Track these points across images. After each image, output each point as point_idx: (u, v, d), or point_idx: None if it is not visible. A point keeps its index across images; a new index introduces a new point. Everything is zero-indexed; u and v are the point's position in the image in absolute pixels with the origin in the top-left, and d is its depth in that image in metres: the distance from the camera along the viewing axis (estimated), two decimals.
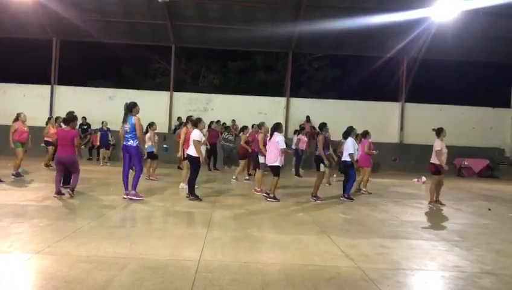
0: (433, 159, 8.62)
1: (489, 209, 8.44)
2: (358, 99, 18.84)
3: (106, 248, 4.50)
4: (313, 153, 10.48)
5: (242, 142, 11.27)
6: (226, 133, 14.36)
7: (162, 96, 18.09)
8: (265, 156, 8.71)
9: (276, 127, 8.42)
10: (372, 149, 10.20)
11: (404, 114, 18.42)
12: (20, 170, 9.77)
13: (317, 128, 9.32)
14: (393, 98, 18.82)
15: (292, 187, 10.47)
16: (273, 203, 7.92)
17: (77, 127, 9.16)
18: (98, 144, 14.83)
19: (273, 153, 8.21)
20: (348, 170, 8.81)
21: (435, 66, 19.77)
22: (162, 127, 16.60)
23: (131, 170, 7.68)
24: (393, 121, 18.46)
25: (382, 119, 17.91)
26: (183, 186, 8.93)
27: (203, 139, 7.98)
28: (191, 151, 7.89)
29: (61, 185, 7.58)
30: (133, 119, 7.36)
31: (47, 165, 11.75)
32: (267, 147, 8.59)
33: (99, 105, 17.29)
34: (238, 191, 9.51)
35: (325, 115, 14.95)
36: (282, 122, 14.95)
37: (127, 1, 15.50)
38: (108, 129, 14.77)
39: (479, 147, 17.54)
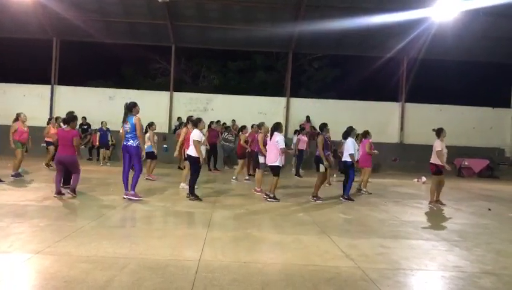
0: (434, 160, 8.63)
1: (490, 210, 8.44)
2: (358, 99, 18.84)
3: (106, 248, 4.50)
4: (313, 154, 10.49)
5: (242, 142, 11.30)
6: (226, 133, 14.37)
7: (162, 96, 18.09)
8: (265, 156, 8.72)
9: (276, 127, 8.42)
10: (373, 149, 10.20)
11: (404, 114, 18.42)
12: (20, 170, 9.76)
13: (318, 129, 9.32)
14: (394, 98, 18.82)
15: (292, 187, 10.47)
16: (273, 203, 7.92)
17: (77, 127, 9.15)
18: (97, 144, 14.84)
19: (273, 153, 8.22)
20: (347, 170, 8.82)
21: (435, 66, 19.78)
22: (162, 127, 16.62)
23: (131, 170, 7.68)
24: (394, 121, 18.46)
25: (382, 119, 17.91)
26: (184, 186, 8.94)
27: (203, 139, 7.97)
28: (191, 151, 7.89)
29: (61, 185, 7.58)
30: (134, 119, 7.36)
31: (48, 165, 11.75)
32: (267, 147, 8.59)
33: (99, 105, 17.29)
34: (238, 191, 9.51)
35: (325, 115, 14.95)
36: (282, 122, 14.91)
37: (127, 1, 15.50)
38: (107, 129, 14.77)
39: (479, 147, 17.55)
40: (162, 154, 13.95)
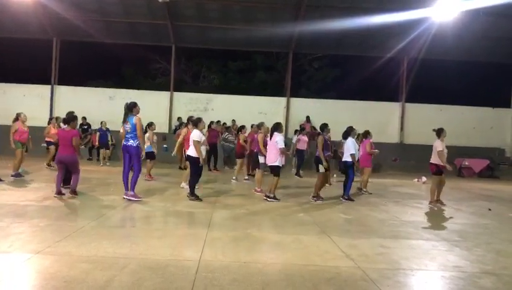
0: (434, 160, 8.62)
1: (490, 210, 8.44)
2: (358, 99, 18.83)
3: (106, 248, 4.50)
4: (313, 154, 10.49)
5: (241, 141, 11.33)
6: (227, 134, 14.38)
7: (162, 96, 18.09)
8: (265, 156, 8.72)
9: (276, 127, 8.42)
10: (374, 149, 10.19)
11: (405, 114, 18.42)
12: (20, 170, 9.76)
13: (319, 129, 9.32)
14: (394, 98, 18.82)
15: (292, 187, 10.47)
16: (274, 204, 7.92)
17: (77, 127, 9.14)
18: (97, 144, 14.83)
19: (273, 153, 8.21)
20: (347, 170, 8.81)
21: (435, 66, 19.77)
22: (162, 127, 16.62)
23: (131, 170, 7.67)
24: (394, 121, 18.46)
25: (382, 119, 17.90)
26: (184, 186, 8.93)
27: (203, 139, 7.95)
28: (191, 151, 7.88)
29: (62, 185, 7.58)
30: (134, 119, 7.36)
31: (49, 165, 11.76)
32: (267, 147, 8.59)
33: (99, 105, 17.28)
34: (238, 191, 9.51)
35: (325, 115, 14.94)
36: (282, 122, 14.91)
37: (127, 1, 15.50)
38: (107, 129, 14.76)
39: (479, 147, 17.54)
40: (162, 154, 13.95)
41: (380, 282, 3.86)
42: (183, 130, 9.77)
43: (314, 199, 8.39)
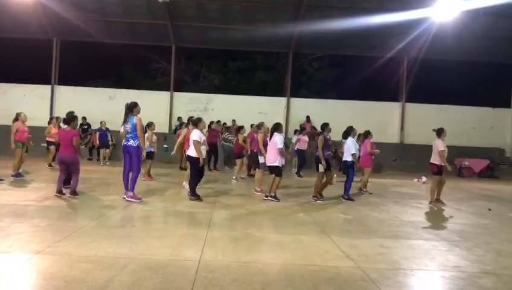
0: (434, 159, 8.63)
1: (490, 210, 8.44)
2: (359, 99, 18.83)
3: (106, 248, 4.50)
4: (313, 154, 10.49)
5: (240, 141, 11.34)
6: (227, 134, 14.38)
7: (162, 96, 18.09)
8: (265, 156, 8.72)
9: (276, 128, 8.42)
10: (374, 149, 10.19)
11: (405, 114, 18.42)
12: (20, 170, 9.77)
13: (319, 129, 9.32)
14: (394, 98, 18.82)
15: (293, 187, 10.47)
16: (274, 204, 7.92)
17: (77, 127, 9.14)
18: (97, 143, 14.83)
19: (272, 153, 8.21)
20: (347, 170, 8.81)
21: (435, 66, 19.77)
22: (162, 127, 16.62)
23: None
24: (394, 121, 18.46)
25: (382, 119, 17.89)
26: (186, 185, 8.93)
27: (203, 139, 7.94)
28: (191, 151, 7.88)
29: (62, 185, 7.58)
30: (134, 119, 7.36)
31: (50, 165, 11.76)
32: (267, 147, 8.59)
33: (99, 105, 17.28)
34: (238, 191, 9.51)
35: (325, 115, 14.90)
36: (283, 122, 14.99)
37: (127, 1, 15.50)
38: (107, 129, 14.76)
39: (479, 147, 17.53)
40: (162, 154, 13.96)
41: (380, 282, 3.86)
42: (184, 130, 9.78)
43: (314, 198, 8.39)
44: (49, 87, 17.71)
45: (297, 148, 13.48)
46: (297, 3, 15.32)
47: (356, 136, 9.60)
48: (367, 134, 10.39)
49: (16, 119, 9.76)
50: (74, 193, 7.40)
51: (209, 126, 13.52)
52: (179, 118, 17.07)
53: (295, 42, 17.51)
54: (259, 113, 17.18)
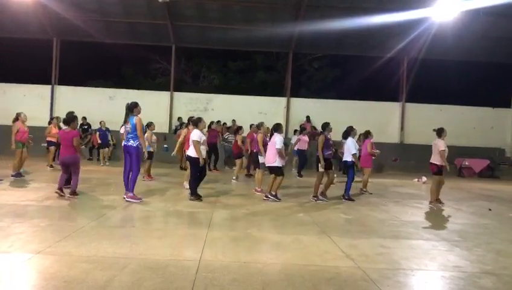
0: (434, 159, 8.62)
1: (490, 210, 8.43)
2: (359, 99, 18.84)
3: (106, 248, 4.50)
4: (313, 154, 10.49)
5: (239, 142, 11.36)
6: (227, 134, 14.39)
7: (162, 96, 18.10)
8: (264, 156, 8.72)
9: (276, 128, 8.41)
10: (374, 149, 10.19)
11: (405, 114, 18.42)
12: (21, 170, 9.76)
13: (320, 129, 9.33)
14: (394, 98, 18.83)
15: (293, 187, 10.47)
16: (274, 204, 7.92)
17: (78, 127, 9.14)
18: (98, 142, 14.82)
19: (272, 153, 8.21)
20: (347, 170, 8.80)
21: (435, 66, 19.78)
22: (162, 127, 16.62)
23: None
24: (394, 121, 18.46)
25: (382, 119, 17.90)
26: (186, 185, 8.93)
27: (203, 139, 7.93)
28: (191, 152, 7.87)
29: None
30: (135, 119, 7.36)
31: (50, 166, 11.76)
32: (267, 147, 8.58)
33: (99, 105, 17.29)
34: (238, 191, 9.51)
35: (325, 115, 14.88)
36: (283, 122, 15.01)
37: (127, 1, 15.50)
38: (107, 129, 14.75)
39: (479, 147, 17.54)
40: (162, 154, 13.97)
41: (380, 282, 3.86)
42: (184, 130, 9.78)
43: (315, 198, 8.39)
44: (49, 87, 17.72)
45: (298, 149, 13.47)
46: (297, 3, 15.33)
47: (356, 137, 9.58)
48: (367, 134, 10.39)
49: (16, 119, 9.76)
50: (74, 193, 7.40)
51: (209, 126, 13.53)
52: (179, 118, 17.08)
53: (295, 42, 17.52)
54: (259, 113, 17.18)
